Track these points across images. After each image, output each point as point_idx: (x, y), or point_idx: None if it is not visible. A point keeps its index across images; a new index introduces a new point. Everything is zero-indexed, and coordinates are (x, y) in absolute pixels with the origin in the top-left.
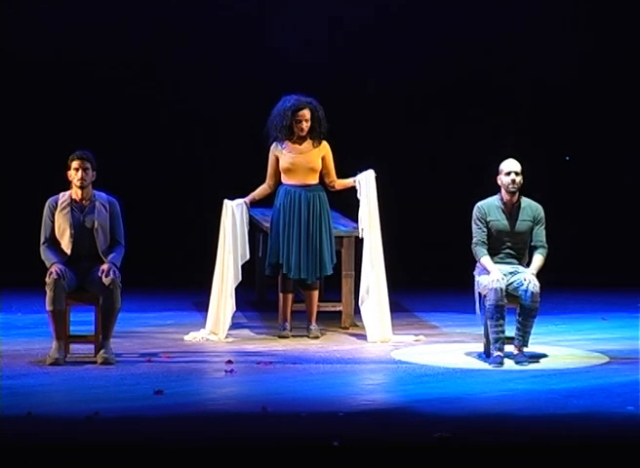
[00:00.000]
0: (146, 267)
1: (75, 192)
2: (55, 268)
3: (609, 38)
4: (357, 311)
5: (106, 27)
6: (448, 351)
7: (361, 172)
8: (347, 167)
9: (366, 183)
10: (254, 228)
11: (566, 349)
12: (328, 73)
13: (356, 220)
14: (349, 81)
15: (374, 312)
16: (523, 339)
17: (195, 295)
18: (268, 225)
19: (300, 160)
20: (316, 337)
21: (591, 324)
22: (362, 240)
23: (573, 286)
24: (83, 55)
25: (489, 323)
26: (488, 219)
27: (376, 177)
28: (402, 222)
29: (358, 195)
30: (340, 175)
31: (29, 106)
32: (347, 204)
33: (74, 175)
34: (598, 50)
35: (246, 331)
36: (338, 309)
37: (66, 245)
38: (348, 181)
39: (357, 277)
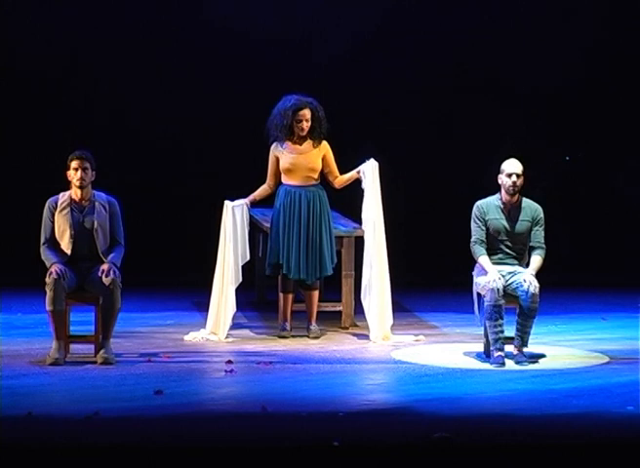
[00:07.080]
0: (146, 267)
1: (75, 192)
2: (55, 268)
3: (610, 37)
4: (357, 311)
5: (106, 28)
6: (448, 351)
7: (363, 162)
8: (349, 165)
9: (370, 173)
10: (254, 228)
11: (566, 349)
12: (328, 72)
13: (356, 220)
14: (350, 80)
15: (375, 310)
16: (522, 340)
17: (195, 295)
18: (268, 225)
19: (301, 160)
20: (316, 337)
21: (591, 324)
22: (362, 239)
23: (573, 286)
24: (84, 55)
25: (488, 323)
26: (486, 219)
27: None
28: (402, 222)
29: (363, 185)
30: (343, 172)
31: (29, 106)
32: (347, 204)
33: (74, 175)
34: (599, 49)
35: (246, 331)
36: (338, 309)
37: (66, 245)
38: (351, 174)
39: (357, 277)
